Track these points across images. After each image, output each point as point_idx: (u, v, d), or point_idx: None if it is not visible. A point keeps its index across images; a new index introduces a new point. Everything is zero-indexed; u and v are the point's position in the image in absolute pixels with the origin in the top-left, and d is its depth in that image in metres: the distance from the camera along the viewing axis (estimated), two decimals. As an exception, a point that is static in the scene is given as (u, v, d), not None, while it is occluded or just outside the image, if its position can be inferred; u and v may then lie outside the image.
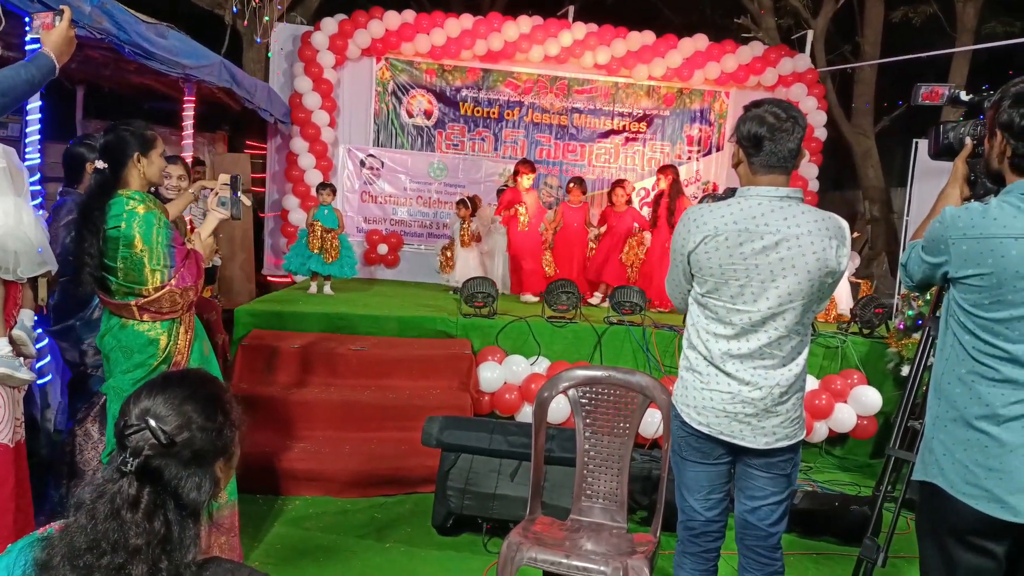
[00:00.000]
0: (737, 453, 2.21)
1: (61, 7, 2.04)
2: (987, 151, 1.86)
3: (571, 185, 7.04)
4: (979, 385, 1.75)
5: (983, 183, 2.12)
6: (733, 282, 2.07)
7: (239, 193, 2.91)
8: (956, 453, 1.77)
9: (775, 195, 2.06)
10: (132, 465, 1.11)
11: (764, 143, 2.05)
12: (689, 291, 2.24)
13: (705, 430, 2.16)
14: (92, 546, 1.09)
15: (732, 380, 2.12)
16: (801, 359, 2.16)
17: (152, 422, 1.14)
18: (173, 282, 2.65)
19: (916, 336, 4.91)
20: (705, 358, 2.17)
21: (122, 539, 1.09)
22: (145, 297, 2.64)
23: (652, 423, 4.59)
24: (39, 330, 3.17)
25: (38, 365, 3.16)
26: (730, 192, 2.38)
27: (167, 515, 1.13)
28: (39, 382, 3.26)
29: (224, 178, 2.88)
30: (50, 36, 1.98)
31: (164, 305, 2.67)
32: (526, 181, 6.79)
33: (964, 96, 2.24)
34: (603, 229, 6.99)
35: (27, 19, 2.22)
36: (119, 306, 2.67)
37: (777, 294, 2.05)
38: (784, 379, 2.12)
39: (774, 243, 2.03)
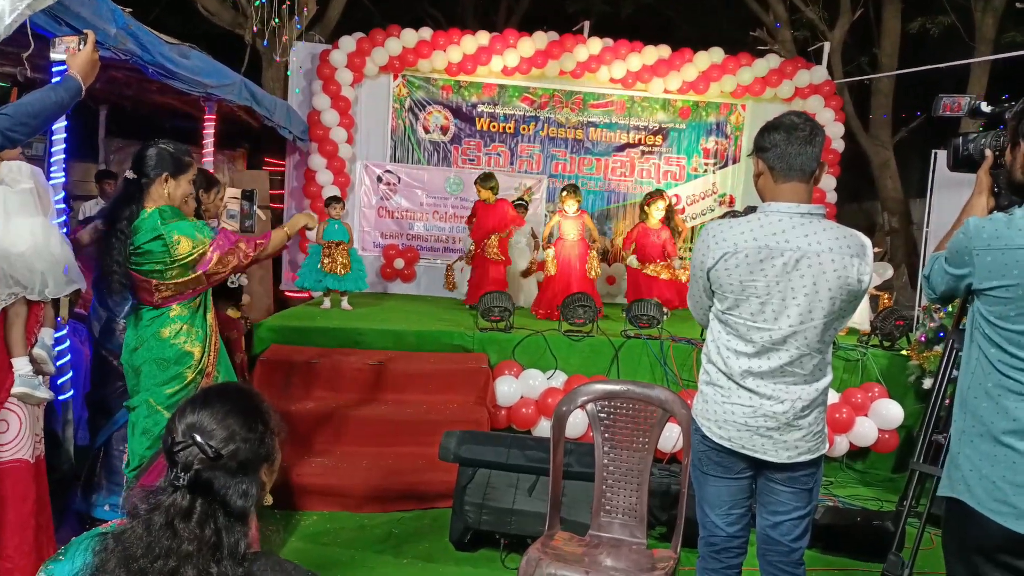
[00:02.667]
0: (759, 467, 2.18)
1: (85, 31, 2.10)
2: (1009, 162, 1.83)
3: (564, 194, 6.65)
4: (1006, 399, 1.71)
5: (1007, 194, 2.10)
6: (754, 299, 2.06)
7: (255, 207, 2.96)
8: (983, 469, 1.74)
9: (796, 211, 2.05)
10: (184, 480, 1.18)
11: (780, 145, 2.05)
12: (710, 307, 2.23)
13: (727, 444, 2.14)
14: (146, 552, 1.15)
15: (753, 395, 2.10)
16: (826, 379, 2.15)
17: (199, 438, 1.20)
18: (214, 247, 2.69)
19: (938, 348, 4.84)
20: (725, 374, 2.15)
21: (175, 546, 1.16)
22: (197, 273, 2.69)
23: (670, 437, 4.56)
24: (66, 343, 3.22)
25: (60, 381, 3.20)
26: (751, 210, 2.37)
27: (217, 522, 1.20)
28: (60, 398, 3.30)
29: (234, 191, 2.93)
30: (76, 59, 2.05)
31: (223, 266, 2.72)
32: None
33: (985, 107, 2.22)
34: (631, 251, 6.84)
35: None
36: (165, 297, 2.71)
37: (798, 312, 2.03)
38: (807, 394, 2.10)
39: (795, 260, 2.01)
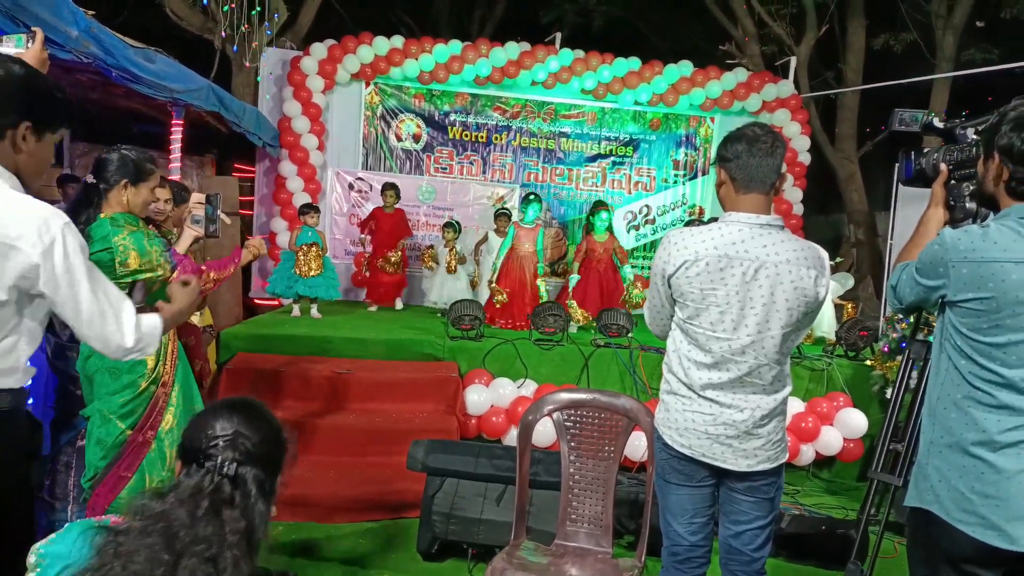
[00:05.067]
0: (720, 476, 2.20)
1: (33, 29, 2.06)
2: (981, 173, 1.83)
3: (531, 198, 6.68)
4: (975, 410, 1.73)
5: (961, 207, 2.15)
6: (714, 308, 2.08)
7: (218, 212, 2.92)
8: (951, 479, 1.75)
9: (756, 222, 2.07)
10: (230, 469, 1.27)
11: (743, 156, 2.07)
12: (671, 316, 2.24)
13: (687, 452, 2.16)
14: (188, 535, 1.20)
15: (714, 404, 2.12)
16: (786, 389, 2.17)
17: (242, 433, 1.31)
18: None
19: (901, 359, 4.94)
20: (686, 384, 2.17)
21: (218, 532, 1.22)
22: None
23: (640, 447, 4.59)
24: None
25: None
26: (713, 221, 2.40)
27: (249, 515, 1.27)
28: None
29: (199, 196, 2.90)
30: (24, 58, 2.01)
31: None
32: (601, 222, 6.65)
33: (937, 123, 2.28)
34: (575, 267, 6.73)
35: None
36: None
37: (756, 322, 2.05)
38: (766, 403, 2.12)
39: (753, 270, 2.03)
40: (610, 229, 6.79)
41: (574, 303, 6.23)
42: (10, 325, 1.65)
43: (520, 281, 6.51)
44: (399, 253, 7.12)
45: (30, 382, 1.80)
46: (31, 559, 1.30)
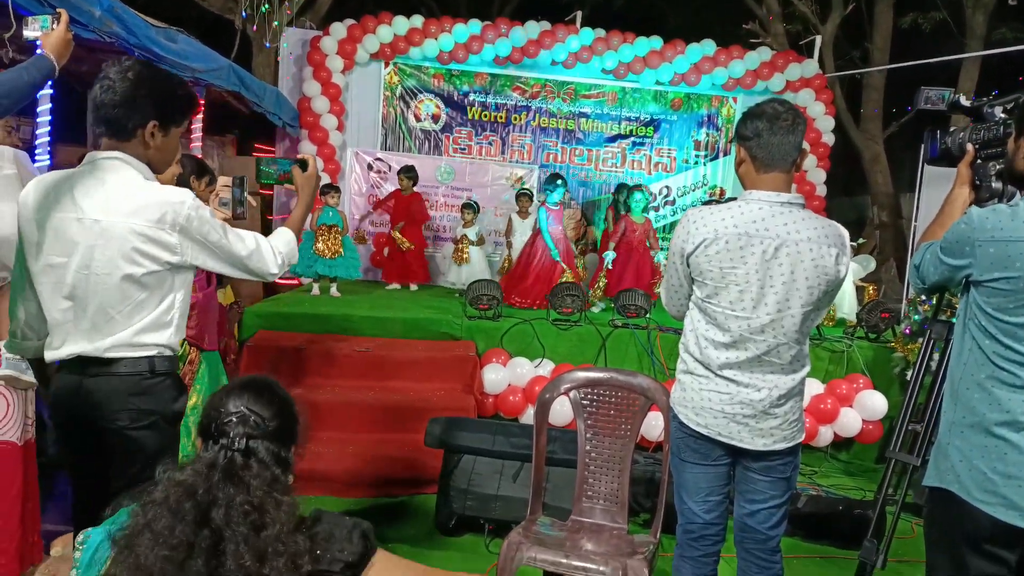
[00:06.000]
0: (736, 455, 2.20)
1: (58, 10, 2.10)
2: (1012, 152, 1.82)
3: (559, 182, 6.58)
4: (999, 390, 1.71)
5: (988, 186, 2.12)
6: (733, 287, 2.06)
7: (245, 193, 2.95)
8: (973, 459, 1.74)
9: (776, 200, 2.05)
10: (240, 444, 1.31)
11: (763, 134, 2.04)
12: (689, 295, 2.23)
13: (703, 431, 2.16)
14: (209, 498, 1.25)
15: (731, 383, 2.12)
16: (804, 369, 2.16)
17: (251, 409, 1.36)
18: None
19: (922, 340, 4.89)
20: (703, 364, 2.16)
21: (241, 490, 1.26)
22: None
23: (657, 426, 4.59)
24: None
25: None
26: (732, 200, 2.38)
27: (264, 474, 1.31)
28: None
29: (225, 179, 2.93)
30: (49, 39, 2.05)
31: None
32: (636, 203, 6.65)
33: (964, 101, 2.23)
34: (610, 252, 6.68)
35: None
36: None
37: (776, 300, 2.04)
38: (784, 383, 2.11)
39: (774, 248, 2.02)
40: (645, 211, 6.76)
41: (604, 281, 6.23)
42: (167, 286, 1.89)
43: (545, 262, 6.45)
44: (407, 241, 7.11)
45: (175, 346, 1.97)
46: (79, 538, 1.36)
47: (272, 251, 2.01)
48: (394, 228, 7.15)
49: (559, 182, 6.59)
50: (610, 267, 6.57)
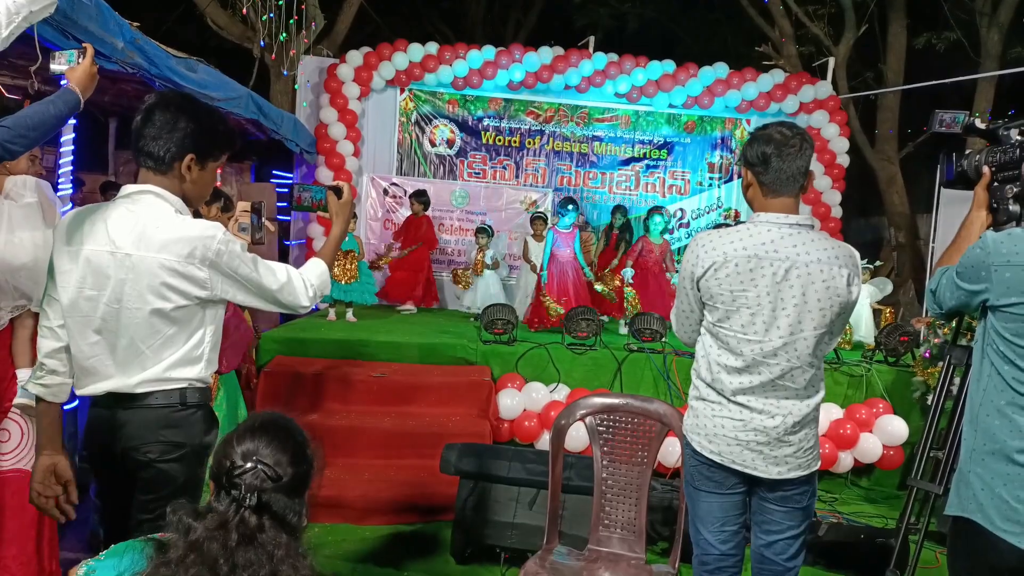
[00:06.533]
0: (752, 484, 2.16)
1: (84, 44, 2.14)
2: None
3: (570, 206, 6.76)
4: (1019, 416, 1.69)
5: (1004, 209, 2.10)
6: (744, 310, 2.05)
7: (263, 219, 2.99)
8: (995, 487, 1.71)
9: (785, 222, 2.05)
10: (252, 500, 1.27)
11: (772, 160, 2.04)
12: (700, 320, 2.22)
13: (716, 458, 2.13)
14: (225, 566, 1.23)
15: (744, 408, 2.09)
16: (819, 395, 2.13)
17: (262, 462, 1.31)
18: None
19: (942, 365, 4.82)
20: (716, 390, 2.14)
21: (255, 558, 1.25)
22: None
23: (674, 452, 4.55)
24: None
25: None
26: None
27: (281, 538, 1.29)
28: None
29: (245, 205, 2.97)
30: (75, 72, 2.09)
31: None
32: (655, 225, 6.75)
33: (979, 124, 2.23)
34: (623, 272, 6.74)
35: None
36: None
37: (788, 323, 2.02)
38: (798, 410, 2.08)
39: (784, 271, 2.01)
40: (663, 233, 6.80)
41: (633, 292, 6.31)
42: (196, 320, 1.88)
43: (570, 286, 6.60)
44: (399, 251, 7.23)
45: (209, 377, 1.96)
46: (80, 571, 1.31)
47: (304, 283, 1.98)
48: (403, 250, 7.20)
49: (571, 207, 6.70)
50: (631, 282, 6.62)
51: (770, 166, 2.05)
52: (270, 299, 1.94)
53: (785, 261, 2.01)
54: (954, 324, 3.09)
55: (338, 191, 2.18)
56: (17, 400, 2.60)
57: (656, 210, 6.97)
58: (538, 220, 7.05)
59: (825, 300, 2.02)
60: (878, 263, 6.74)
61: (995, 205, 2.12)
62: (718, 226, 6.90)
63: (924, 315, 6.08)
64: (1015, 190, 2.06)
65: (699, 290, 2.13)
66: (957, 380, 2.52)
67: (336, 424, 4.50)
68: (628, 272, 6.66)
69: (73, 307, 1.83)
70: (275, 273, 1.93)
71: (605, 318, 6.25)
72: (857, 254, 2.11)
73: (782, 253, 2.02)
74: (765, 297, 2.02)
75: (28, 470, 2.67)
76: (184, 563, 1.21)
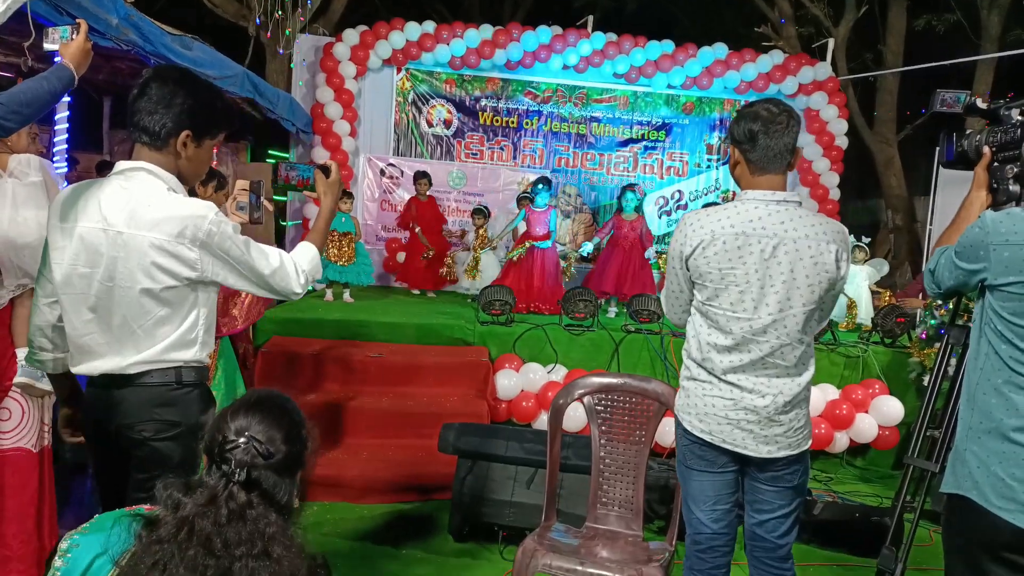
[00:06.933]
0: (743, 464, 2.17)
1: (78, 20, 2.12)
2: None
3: (540, 185, 6.59)
4: (1016, 395, 1.70)
5: (1004, 189, 2.10)
6: (733, 288, 2.05)
7: (260, 198, 2.97)
8: (991, 465, 1.72)
9: (772, 199, 2.04)
10: (240, 476, 1.26)
11: (759, 137, 2.03)
12: (690, 300, 2.22)
13: (707, 438, 2.13)
14: (211, 543, 1.21)
15: (735, 388, 2.10)
16: (808, 372, 2.13)
17: (254, 438, 1.30)
18: None
19: (939, 346, 4.85)
20: (707, 370, 2.14)
21: (244, 536, 1.23)
22: None
23: (671, 432, 4.57)
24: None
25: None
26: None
27: (270, 516, 1.27)
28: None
29: (243, 183, 2.95)
30: (69, 48, 2.07)
31: None
32: (627, 202, 6.64)
33: (980, 104, 2.22)
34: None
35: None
36: None
37: (777, 300, 2.03)
38: (789, 388, 2.08)
39: (772, 247, 2.01)
40: (638, 210, 6.71)
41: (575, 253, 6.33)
42: (188, 302, 1.85)
43: (538, 266, 6.49)
44: (432, 251, 7.14)
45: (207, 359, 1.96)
46: (63, 545, 1.28)
47: (295, 269, 1.95)
48: (416, 232, 7.13)
49: (540, 185, 6.56)
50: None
51: (757, 143, 2.04)
52: (262, 283, 1.91)
53: (773, 238, 2.01)
54: (952, 305, 3.10)
55: (326, 170, 2.15)
56: (17, 379, 2.60)
57: (630, 187, 6.77)
58: (524, 200, 7.03)
59: (814, 276, 2.02)
60: (866, 239, 6.71)
61: (995, 185, 2.12)
62: (706, 205, 6.90)
63: (919, 297, 6.09)
64: (1015, 170, 2.06)
65: (688, 269, 2.13)
66: (954, 360, 2.53)
67: (334, 404, 4.50)
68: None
69: (67, 283, 1.81)
70: (268, 257, 1.90)
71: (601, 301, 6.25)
72: (845, 229, 2.11)
73: (770, 230, 2.02)
74: (753, 274, 2.02)
75: (28, 448, 2.68)
76: (177, 540, 1.19)
